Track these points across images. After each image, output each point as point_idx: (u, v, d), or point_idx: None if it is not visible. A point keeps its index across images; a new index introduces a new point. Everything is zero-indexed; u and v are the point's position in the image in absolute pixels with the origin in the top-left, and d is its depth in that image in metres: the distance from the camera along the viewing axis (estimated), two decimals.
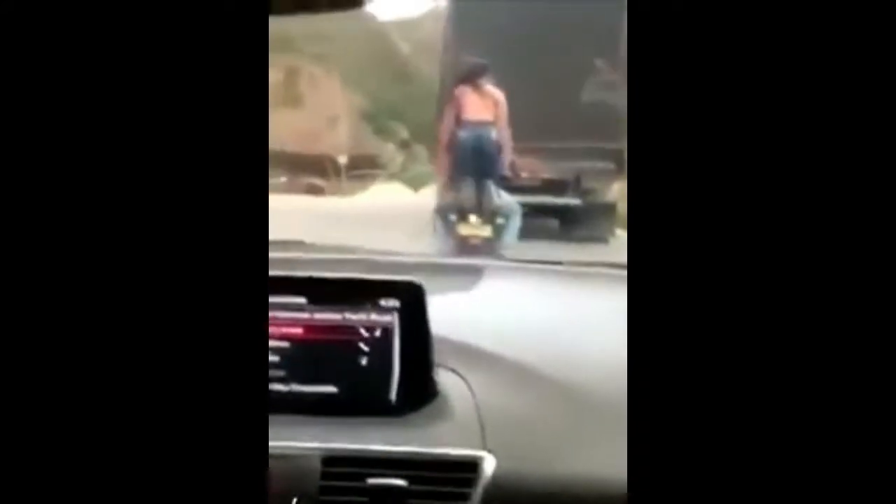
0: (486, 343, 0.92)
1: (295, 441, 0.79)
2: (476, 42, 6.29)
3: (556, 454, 0.80)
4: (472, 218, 4.74)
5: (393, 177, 11.49)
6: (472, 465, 0.78)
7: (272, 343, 0.84)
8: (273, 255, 1.30)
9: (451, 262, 1.53)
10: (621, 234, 6.90)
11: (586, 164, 6.67)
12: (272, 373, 0.84)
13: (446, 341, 0.88)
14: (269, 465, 0.77)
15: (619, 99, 6.90)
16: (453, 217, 4.82)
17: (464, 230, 4.69)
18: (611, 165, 6.90)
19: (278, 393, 0.84)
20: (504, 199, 4.92)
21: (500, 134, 4.95)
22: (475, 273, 1.22)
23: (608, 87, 6.82)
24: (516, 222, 4.88)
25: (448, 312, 0.92)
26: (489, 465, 0.78)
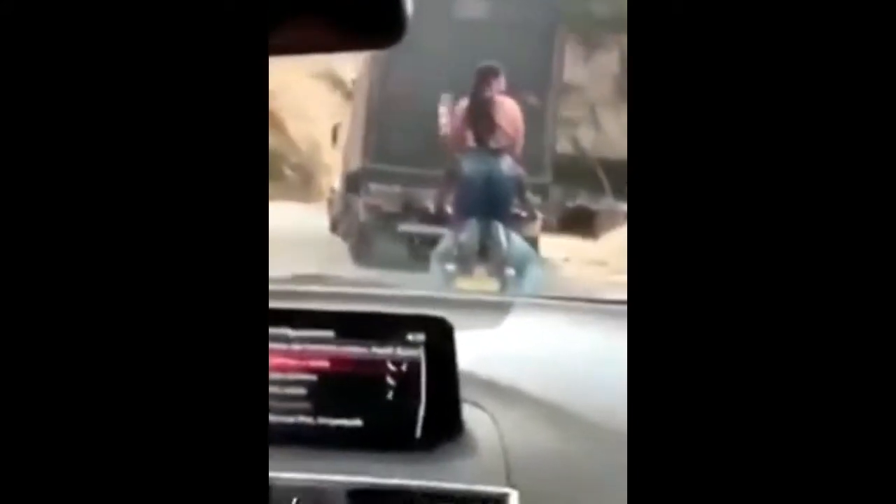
0: (513, 379, 0.92)
1: (320, 474, 0.80)
2: (403, 75, 6.33)
3: (581, 491, 0.79)
4: (477, 270, 3.92)
5: None
6: (498, 502, 0.78)
7: (299, 376, 0.85)
8: (300, 288, 1.31)
9: (478, 297, 1.53)
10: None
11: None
12: (298, 405, 0.84)
13: (473, 377, 0.88)
14: (295, 499, 0.77)
15: (544, 133, 6.91)
16: (451, 267, 3.93)
17: (464, 283, 3.82)
18: (536, 199, 6.83)
19: (304, 425, 0.84)
20: (515, 244, 3.99)
21: (517, 163, 4.07)
22: (503, 308, 1.22)
23: (535, 120, 6.60)
24: (535, 272, 4.00)
25: (475, 348, 0.92)
26: (514, 502, 0.78)
